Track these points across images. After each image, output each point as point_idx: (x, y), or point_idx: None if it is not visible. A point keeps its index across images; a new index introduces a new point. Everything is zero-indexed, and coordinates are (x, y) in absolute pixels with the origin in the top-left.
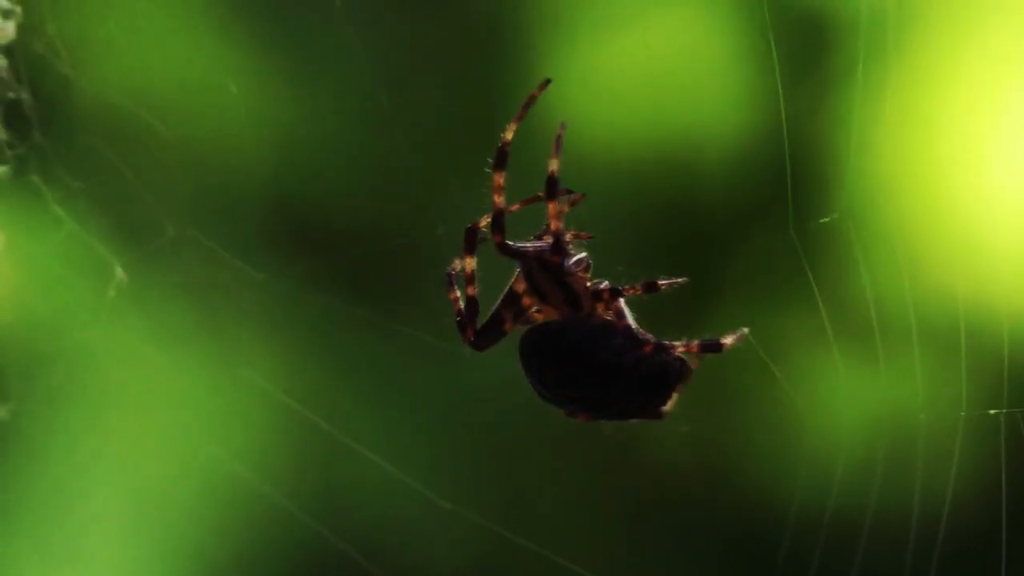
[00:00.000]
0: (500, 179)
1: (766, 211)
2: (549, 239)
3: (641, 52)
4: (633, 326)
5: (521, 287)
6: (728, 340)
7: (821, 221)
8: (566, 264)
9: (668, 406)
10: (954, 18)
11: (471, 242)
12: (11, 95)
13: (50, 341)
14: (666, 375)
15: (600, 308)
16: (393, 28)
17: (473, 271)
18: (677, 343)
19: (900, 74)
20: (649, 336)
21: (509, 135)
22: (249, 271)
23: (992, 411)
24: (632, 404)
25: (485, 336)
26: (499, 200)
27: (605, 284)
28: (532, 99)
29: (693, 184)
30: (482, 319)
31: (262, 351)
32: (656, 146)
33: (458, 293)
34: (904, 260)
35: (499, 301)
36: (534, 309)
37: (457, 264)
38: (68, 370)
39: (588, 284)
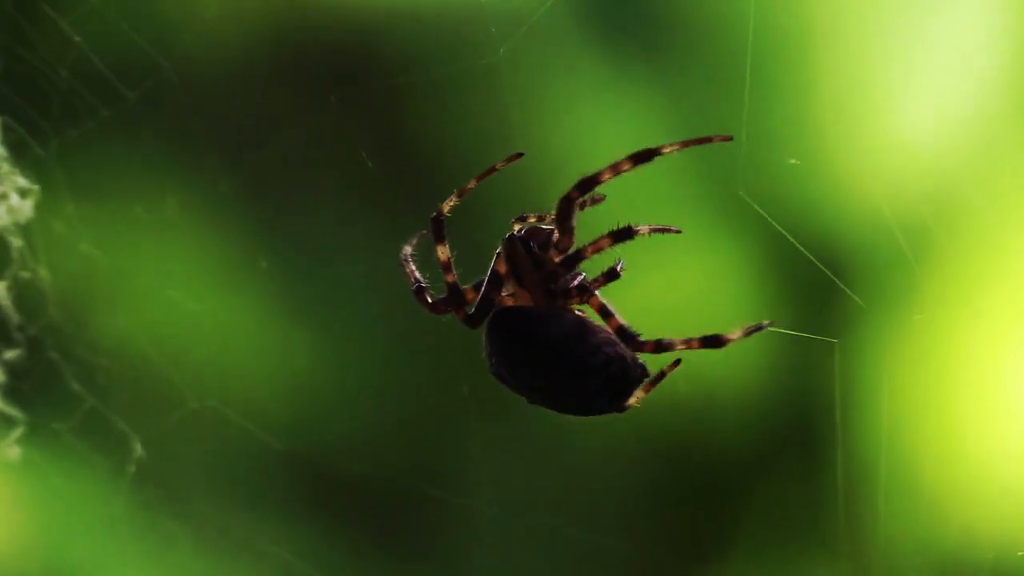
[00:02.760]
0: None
1: (777, 462)
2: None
3: (658, 295)
4: (623, 323)
5: (502, 268)
6: (735, 335)
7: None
8: (559, 262)
9: (632, 400)
10: (973, 257)
11: (439, 231)
12: (25, 274)
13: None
14: (626, 377)
15: (576, 301)
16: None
17: (448, 259)
18: (676, 340)
19: (914, 318)
20: (639, 335)
21: (467, 188)
22: (270, 442)
23: None
24: (592, 402)
25: (480, 313)
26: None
27: (582, 277)
28: (492, 170)
29: (705, 432)
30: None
31: (285, 531)
32: (669, 391)
33: (412, 267)
34: (923, 511)
35: (486, 281)
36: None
37: (407, 249)
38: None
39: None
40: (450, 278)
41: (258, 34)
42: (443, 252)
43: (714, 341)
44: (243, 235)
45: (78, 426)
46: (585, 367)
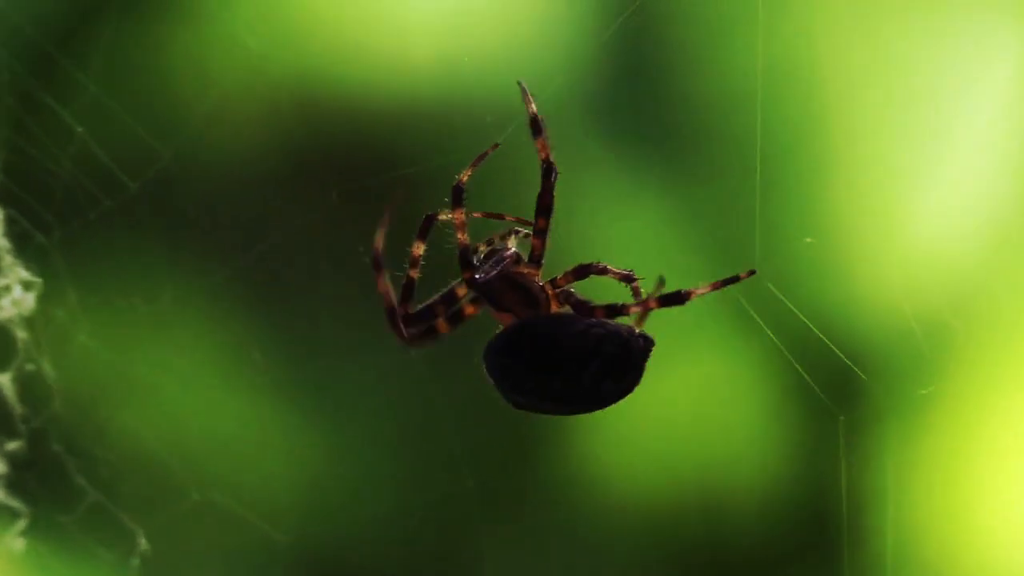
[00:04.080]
0: (461, 216)
1: (801, 556)
2: (508, 246)
3: (681, 396)
4: (582, 299)
5: (463, 292)
6: (701, 290)
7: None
8: (527, 269)
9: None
10: (986, 345)
11: (425, 230)
12: (30, 367)
13: None
14: (630, 352)
15: (554, 305)
16: (422, 385)
17: (420, 255)
18: (630, 304)
19: (934, 426)
20: (596, 303)
21: (464, 178)
22: (274, 534)
23: None
24: (607, 387)
25: (421, 337)
26: (463, 237)
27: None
28: (483, 158)
29: (726, 527)
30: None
31: None
32: (691, 486)
33: (388, 284)
34: None
35: (438, 300)
36: (470, 312)
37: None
38: None
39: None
40: (412, 273)
41: (258, 127)
42: (418, 248)
43: (675, 298)
44: (241, 326)
45: (82, 518)
46: (580, 355)
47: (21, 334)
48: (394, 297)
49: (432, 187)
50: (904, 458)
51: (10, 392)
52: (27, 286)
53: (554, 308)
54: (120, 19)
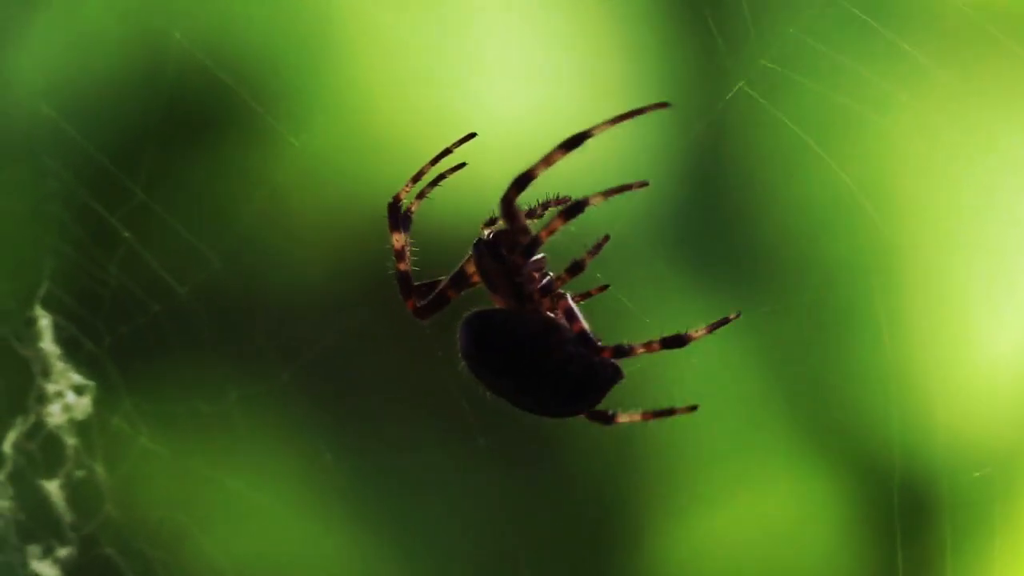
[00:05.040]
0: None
1: None
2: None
3: (752, 516)
4: (586, 328)
5: (471, 269)
6: (700, 332)
7: None
8: (525, 264)
9: (624, 418)
10: None
11: (395, 218)
12: (80, 473)
13: None
14: (595, 377)
15: (547, 305)
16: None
17: (403, 247)
18: (636, 344)
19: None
20: (599, 339)
21: (421, 172)
22: None
23: None
24: (561, 402)
25: (430, 307)
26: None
27: (548, 278)
28: (446, 152)
29: None
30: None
31: None
32: None
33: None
34: None
35: (449, 279)
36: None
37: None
38: None
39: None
40: (402, 267)
41: (309, 222)
42: (398, 240)
43: (676, 341)
44: (308, 427)
45: None
46: (544, 365)
47: (71, 440)
48: (408, 264)
49: None
50: None
51: (59, 499)
52: (80, 390)
53: (546, 307)
54: (165, 125)
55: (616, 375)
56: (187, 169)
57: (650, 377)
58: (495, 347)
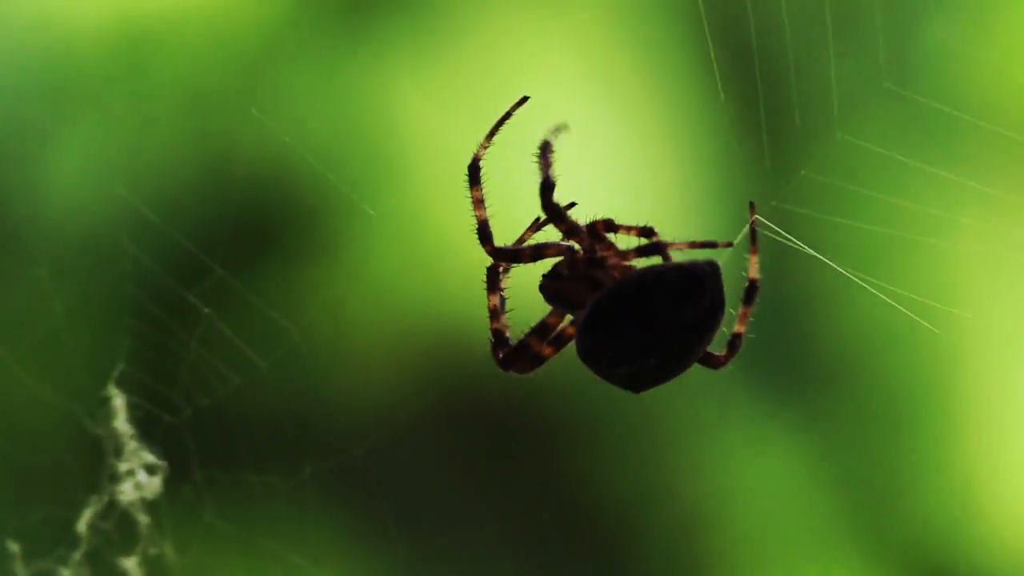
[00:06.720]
0: (478, 193)
1: None
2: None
3: None
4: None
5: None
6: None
7: None
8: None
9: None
10: None
11: (493, 280)
12: (152, 551)
13: None
14: (699, 276)
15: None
16: None
17: (495, 307)
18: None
19: None
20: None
21: (482, 152)
22: None
23: None
24: (702, 326)
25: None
26: (480, 212)
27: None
28: (507, 116)
29: None
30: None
31: None
32: None
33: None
34: None
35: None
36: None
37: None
38: None
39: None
40: (495, 325)
41: (380, 302)
42: (492, 300)
43: (653, 248)
44: (375, 500)
45: None
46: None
47: (143, 518)
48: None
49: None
50: None
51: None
52: (152, 470)
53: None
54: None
55: (713, 267)
56: (263, 247)
57: (703, 495)
58: (658, 312)
